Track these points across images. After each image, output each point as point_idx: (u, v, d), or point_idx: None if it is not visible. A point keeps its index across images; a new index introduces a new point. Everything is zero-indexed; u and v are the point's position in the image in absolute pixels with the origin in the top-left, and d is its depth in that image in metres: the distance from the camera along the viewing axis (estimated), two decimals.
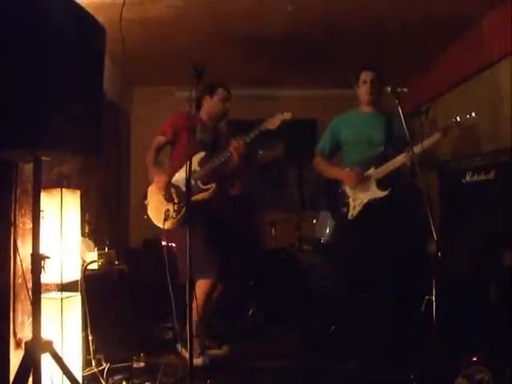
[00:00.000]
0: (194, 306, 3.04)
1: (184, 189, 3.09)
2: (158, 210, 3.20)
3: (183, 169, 3.14)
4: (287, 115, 3.10)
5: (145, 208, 3.31)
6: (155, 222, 3.22)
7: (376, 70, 3.28)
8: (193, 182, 3.12)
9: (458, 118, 2.90)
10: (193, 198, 3.00)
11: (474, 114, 2.87)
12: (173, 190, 3.19)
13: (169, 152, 3.44)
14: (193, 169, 3.14)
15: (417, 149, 2.84)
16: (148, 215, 3.28)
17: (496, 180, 3.25)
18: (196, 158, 3.20)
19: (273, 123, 3.11)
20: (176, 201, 3.16)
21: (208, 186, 3.16)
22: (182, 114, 3.30)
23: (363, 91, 3.30)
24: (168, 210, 3.12)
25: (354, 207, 3.21)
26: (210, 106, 3.42)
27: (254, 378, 2.91)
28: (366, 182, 3.21)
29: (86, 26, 1.81)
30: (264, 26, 3.75)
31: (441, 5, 3.38)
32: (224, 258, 3.17)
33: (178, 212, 3.12)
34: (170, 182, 3.21)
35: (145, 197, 3.33)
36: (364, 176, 3.21)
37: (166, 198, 3.18)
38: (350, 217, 3.22)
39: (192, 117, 3.28)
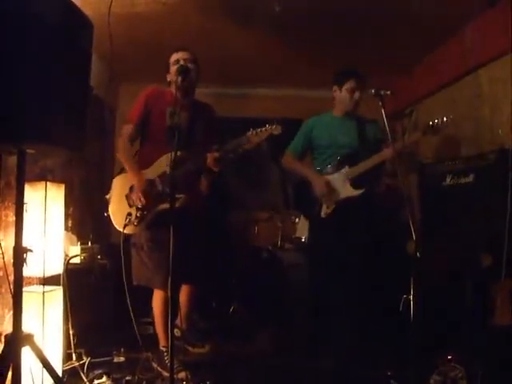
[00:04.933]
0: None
1: (151, 193, 2.78)
2: (119, 210, 2.84)
3: (153, 167, 2.86)
4: (276, 130, 2.67)
5: (107, 203, 2.92)
6: (114, 223, 2.88)
7: (361, 76, 3.24)
8: (160, 187, 2.81)
9: (437, 121, 2.93)
10: (159, 208, 2.76)
11: (450, 117, 2.90)
12: (139, 193, 2.79)
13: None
14: (162, 170, 2.80)
15: (397, 146, 2.90)
16: (108, 213, 2.90)
17: (475, 183, 3.33)
18: (167, 158, 2.58)
19: (259, 136, 2.68)
20: (140, 206, 2.78)
21: (178, 196, 2.61)
22: (154, 91, 3.04)
23: (347, 98, 3.26)
24: (130, 214, 2.78)
25: (328, 206, 3.21)
26: (171, 75, 2.97)
27: (236, 376, 2.93)
28: (338, 182, 3.21)
29: (74, 19, 1.80)
30: (252, 23, 3.76)
31: (427, 6, 3.39)
32: (197, 261, 2.99)
33: (139, 220, 2.80)
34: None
35: (109, 189, 2.96)
36: (334, 180, 3.20)
37: (129, 203, 2.83)
38: (322, 215, 3.22)
39: (164, 93, 2.99)
